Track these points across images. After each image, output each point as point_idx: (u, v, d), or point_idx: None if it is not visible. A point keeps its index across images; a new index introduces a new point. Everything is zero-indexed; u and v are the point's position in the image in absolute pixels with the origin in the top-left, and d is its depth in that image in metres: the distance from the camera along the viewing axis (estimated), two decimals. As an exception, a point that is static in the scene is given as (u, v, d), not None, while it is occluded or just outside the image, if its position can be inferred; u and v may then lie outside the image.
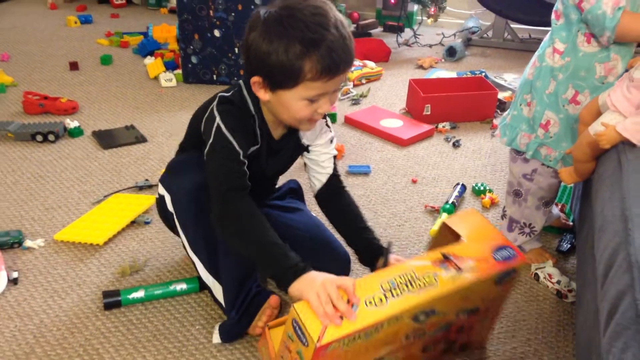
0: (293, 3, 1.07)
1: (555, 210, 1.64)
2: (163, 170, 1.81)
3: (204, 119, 1.20)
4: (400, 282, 0.98)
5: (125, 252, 1.53)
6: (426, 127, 2.29)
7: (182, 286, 1.37)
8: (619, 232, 0.93)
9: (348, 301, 0.95)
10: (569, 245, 1.55)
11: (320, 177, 1.35)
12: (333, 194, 1.35)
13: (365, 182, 1.92)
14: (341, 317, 0.93)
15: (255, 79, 1.11)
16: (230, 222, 1.13)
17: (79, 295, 1.37)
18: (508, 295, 1.17)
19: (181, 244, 1.51)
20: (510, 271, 1.09)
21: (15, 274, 1.41)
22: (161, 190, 1.30)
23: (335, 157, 1.37)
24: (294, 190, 1.56)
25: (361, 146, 2.18)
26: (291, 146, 1.32)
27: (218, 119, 1.15)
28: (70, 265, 1.47)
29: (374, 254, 1.24)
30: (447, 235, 1.14)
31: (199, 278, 1.38)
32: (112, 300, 1.33)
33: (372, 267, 1.24)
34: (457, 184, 1.85)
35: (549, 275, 1.43)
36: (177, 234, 1.33)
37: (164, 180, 1.30)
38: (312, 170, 1.36)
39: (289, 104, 1.12)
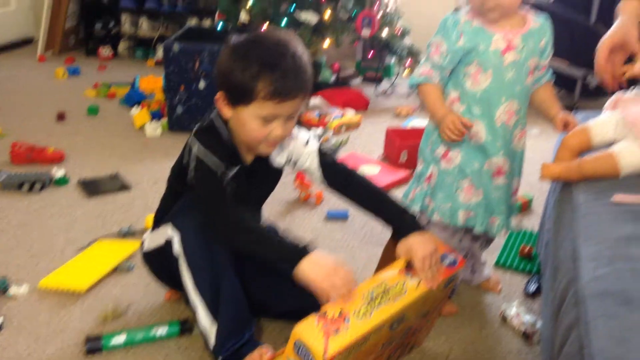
0: (261, 34, 1.27)
1: (487, 270, 1.65)
2: (147, 216, 1.89)
3: (184, 151, 1.32)
4: (378, 293, 1.13)
5: (109, 297, 1.56)
6: (403, 173, 2.39)
7: (163, 330, 1.41)
8: (570, 270, 1.01)
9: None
10: (536, 286, 1.62)
11: (315, 174, 1.39)
12: (339, 179, 1.38)
13: (344, 227, 1.99)
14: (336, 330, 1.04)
15: (219, 94, 1.26)
16: (232, 235, 1.24)
17: (63, 341, 1.40)
18: (447, 296, 1.33)
19: (168, 289, 1.55)
20: (455, 275, 1.26)
21: (0, 320, 1.44)
22: (170, 231, 1.31)
23: (317, 151, 1.38)
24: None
25: (340, 192, 2.25)
26: (263, 169, 1.40)
27: (195, 149, 1.27)
28: (54, 312, 1.50)
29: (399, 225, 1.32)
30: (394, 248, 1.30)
31: (181, 322, 1.42)
32: (93, 346, 1.36)
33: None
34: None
35: (517, 315, 1.49)
36: (172, 282, 1.39)
37: (173, 220, 1.32)
38: (307, 173, 1.42)
39: (245, 121, 1.24)
